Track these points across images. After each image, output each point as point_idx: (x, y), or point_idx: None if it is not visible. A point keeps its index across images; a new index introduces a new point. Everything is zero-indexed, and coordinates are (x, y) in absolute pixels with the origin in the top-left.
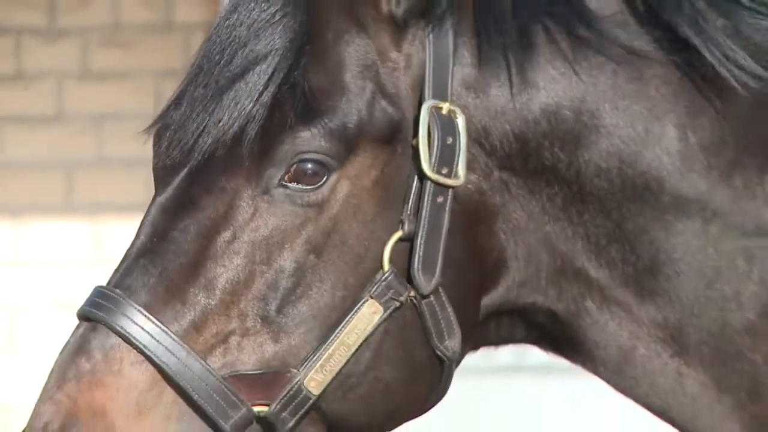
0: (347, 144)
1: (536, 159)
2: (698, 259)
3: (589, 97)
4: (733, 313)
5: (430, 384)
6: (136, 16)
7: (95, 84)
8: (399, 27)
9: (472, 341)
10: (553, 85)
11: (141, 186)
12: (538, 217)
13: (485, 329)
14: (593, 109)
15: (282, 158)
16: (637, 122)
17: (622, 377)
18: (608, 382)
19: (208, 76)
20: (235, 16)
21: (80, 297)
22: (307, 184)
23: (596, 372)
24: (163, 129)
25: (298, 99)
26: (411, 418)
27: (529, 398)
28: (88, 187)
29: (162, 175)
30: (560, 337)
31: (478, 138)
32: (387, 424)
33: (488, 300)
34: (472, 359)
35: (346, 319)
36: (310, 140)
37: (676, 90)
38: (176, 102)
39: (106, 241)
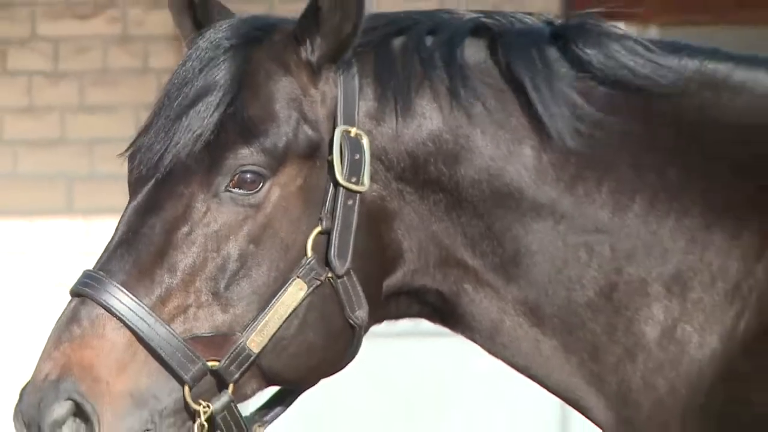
0: (278, 159)
1: (424, 172)
2: (550, 251)
3: (464, 124)
4: (577, 292)
5: (344, 345)
6: (121, 62)
7: (89, 115)
8: (315, 70)
9: (377, 316)
10: (438, 114)
11: (123, 194)
12: (427, 219)
13: (387, 306)
14: (468, 134)
15: (227, 170)
16: (502, 145)
17: (493, 343)
18: (482, 347)
19: (169, 109)
20: (190, 62)
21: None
22: (247, 190)
23: (473, 339)
24: (135, 152)
25: (238, 124)
26: (331, 374)
27: (424, 358)
28: (84, 195)
29: (134, 186)
30: (445, 311)
31: (379, 156)
32: (312, 378)
33: (390, 282)
34: (378, 327)
35: (279, 294)
36: (248, 156)
37: (530, 120)
38: (144, 130)
39: (97, 236)
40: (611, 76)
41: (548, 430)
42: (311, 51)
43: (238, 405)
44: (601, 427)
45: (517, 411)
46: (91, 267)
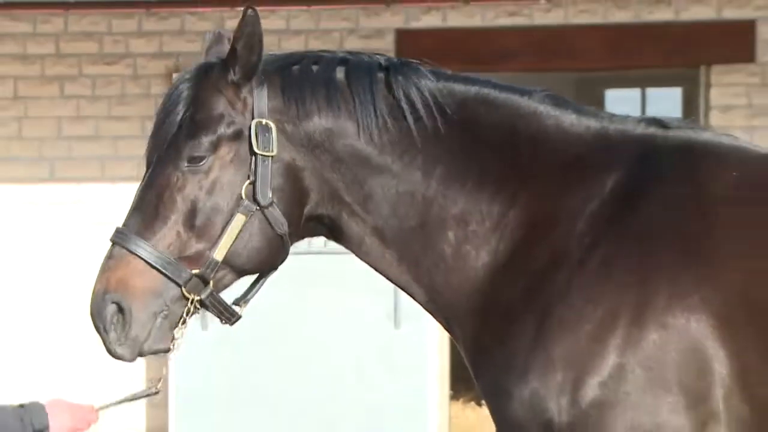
0: (215, 144)
1: (314, 142)
2: (389, 196)
3: (334, 116)
4: (405, 223)
5: (278, 248)
6: (133, 91)
7: (114, 123)
8: (237, 87)
9: (299, 234)
10: (318, 111)
11: (134, 169)
12: (319, 169)
13: (305, 228)
14: (336, 120)
15: (186, 154)
16: (354, 128)
17: (359, 252)
18: (356, 255)
19: (157, 125)
20: (169, 90)
21: (113, 218)
22: (198, 164)
23: (349, 249)
24: (145, 151)
25: (189, 126)
26: (275, 265)
27: (331, 269)
28: (111, 170)
29: (145, 171)
30: (334, 230)
31: (285, 136)
32: (265, 268)
33: (303, 211)
34: (299, 245)
35: (229, 223)
36: (197, 146)
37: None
38: (150, 137)
39: (119, 194)
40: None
41: (386, 303)
42: (234, 74)
43: (223, 292)
44: (420, 305)
45: (366, 288)
46: (120, 224)
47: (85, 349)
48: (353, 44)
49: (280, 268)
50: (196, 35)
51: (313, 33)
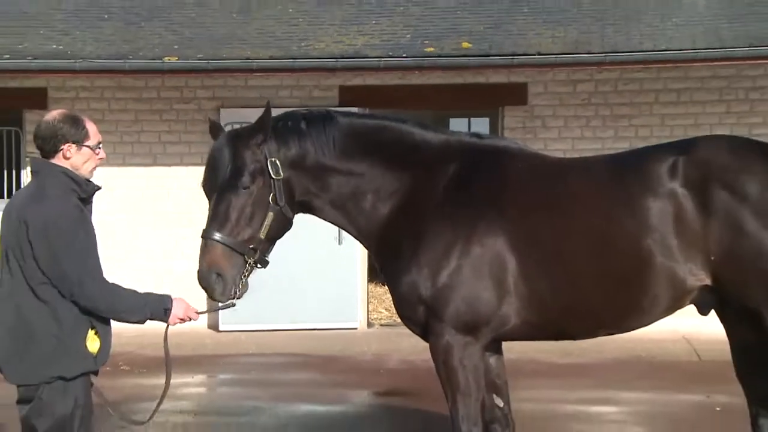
0: (252, 177)
1: (294, 163)
2: (336, 183)
3: (304, 149)
4: (345, 195)
5: (289, 224)
6: (199, 118)
7: (189, 134)
8: (258, 144)
9: (297, 212)
10: (295, 148)
11: (199, 158)
12: (302, 180)
13: (298, 208)
14: (305, 149)
15: (240, 185)
16: (315, 151)
17: (321, 215)
18: (318, 216)
19: (211, 170)
20: (216, 148)
21: (188, 185)
22: (246, 188)
23: (317, 216)
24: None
25: (235, 170)
26: (286, 232)
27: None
28: (188, 160)
29: (208, 198)
30: (307, 207)
31: (286, 162)
32: (281, 236)
33: (294, 201)
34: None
35: (266, 218)
36: (243, 180)
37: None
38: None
39: (193, 173)
40: (357, 126)
41: (333, 232)
42: (257, 139)
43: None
44: (352, 236)
45: (324, 231)
46: (204, 226)
47: (171, 271)
48: (317, 93)
49: None
50: (233, 87)
51: (294, 87)
